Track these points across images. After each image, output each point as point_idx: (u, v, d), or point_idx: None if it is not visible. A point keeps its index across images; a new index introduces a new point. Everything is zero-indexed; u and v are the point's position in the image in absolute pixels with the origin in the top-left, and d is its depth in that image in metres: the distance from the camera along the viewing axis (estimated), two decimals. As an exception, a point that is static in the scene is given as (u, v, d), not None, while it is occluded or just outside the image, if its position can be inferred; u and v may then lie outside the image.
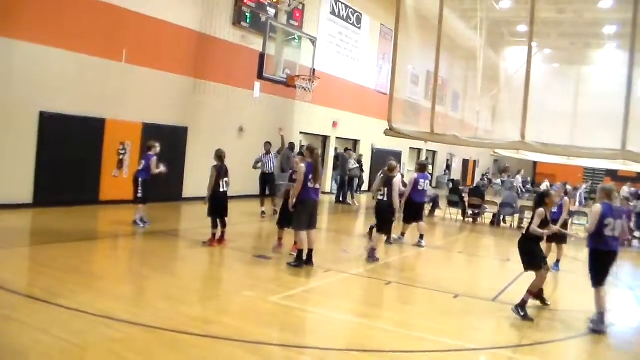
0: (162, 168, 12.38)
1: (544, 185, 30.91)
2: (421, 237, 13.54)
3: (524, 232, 8.85)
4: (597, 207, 8.15)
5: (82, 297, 7.13)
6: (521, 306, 8.27)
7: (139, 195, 12.24)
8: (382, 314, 8.04)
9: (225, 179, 11.20)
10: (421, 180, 13.72)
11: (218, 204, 11.15)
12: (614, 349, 7.89)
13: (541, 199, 8.77)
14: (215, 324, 6.74)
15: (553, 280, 11.02)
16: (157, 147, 12.53)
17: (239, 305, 7.85)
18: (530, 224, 8.62)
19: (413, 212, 13.65)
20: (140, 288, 8.29)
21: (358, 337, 6.98)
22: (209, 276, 9.69)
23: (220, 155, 11.28)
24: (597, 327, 7.94)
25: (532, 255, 8.61)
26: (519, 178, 33.50)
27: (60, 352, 5.45)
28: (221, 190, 11.12)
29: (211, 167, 11.18)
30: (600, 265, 8.15)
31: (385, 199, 11.25)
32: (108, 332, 6.03)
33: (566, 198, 12.61)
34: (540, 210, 8.54)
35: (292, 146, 20.20)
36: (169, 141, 15.55)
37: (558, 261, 12.09)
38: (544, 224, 8.54)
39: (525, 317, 8.18)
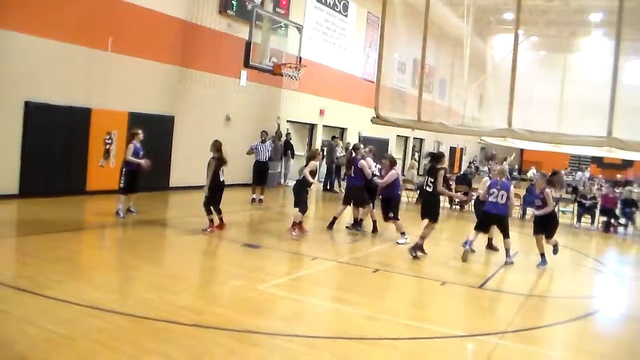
0: (142, 161, 12.17)
1: (531, 173, 31.10)
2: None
3: (429, 190, 10.98)
4: (486, 180, 12.07)
5: (69, 287, 7.11)
6: (419, 248, 10.95)
7: (121, 185, 12.23)
8: (369, 301, 8.06)
9: (223, 168, 11.46)
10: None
11: (219, 193, 11.54)
12: (601, 335, 7.99)
13: (438, 160, 11.17)
14: (204, 313, 6.74)
15: (539, 268, 11.09)
16: (140, 134, 12.43)
17: (227, 294, 7.87)
18: (435, 183, 10.79)
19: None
20: (127, 278, 8.26)
21: (346, 324, 7.00)
22: (197, 265, 9.65)
23: (217, 147, 11.45)
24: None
25: (434, 208, 11.10)
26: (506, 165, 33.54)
27: (47, 342, 5.43)
28: (221, 179, 11.40)
29: (210, 159, 11.38)
30: (479, 218, 11.76)
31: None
32: (95, 322, 6.02)
33: (548, 190, 11.42)
34: (442, 171, 10.84)
35: (279, 135, 20.25)
36: (156, 130, 15.46)
37: (543, 255, 11.24)
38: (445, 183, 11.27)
39: (416, 257, 10.82)
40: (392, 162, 13.14)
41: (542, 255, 11.24)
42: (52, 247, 9.17)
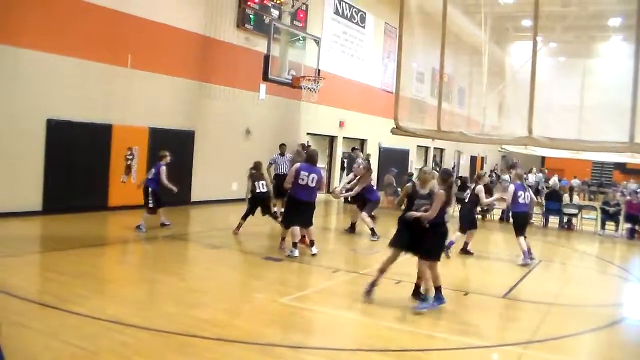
0: (172, 186, 12.51)
1: (553, 180, 30.80)
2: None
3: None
4: (512, 187, 12.40)
5: (93, 302, 7.16)
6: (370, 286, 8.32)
7: (150, 205, 12.40)
8: (392, 312, 8.01)
9: (262, 182, 12.74)
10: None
11: (256, 203, 12.71)
12: (627, 344, 7.86)
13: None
14: (226, 326, 6.75)
15: (562, 275, 10.99)
16: (168, 157, 12.67)
17: (250, 308, 7.86)
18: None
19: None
20: (150, 292, 8.31)
21: (368, 336, 6.97)
22: (219, 279, 9.65)
23: (258, 166, 12.89)
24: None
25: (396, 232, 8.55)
26: (540, 175, 32.64)
27: (70, 357, 5.47)
28: (257, 191, 12.60)
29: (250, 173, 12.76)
30: (518, 221, 12.32)
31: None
32: (118, 337, 6.05)
33: (442, 191, 8.01)
34: (408, 185, 8.52)
35: (303, 146, 20.27)
36: (176, 145, 15.56)
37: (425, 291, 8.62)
38: (410, 201, 8.32)
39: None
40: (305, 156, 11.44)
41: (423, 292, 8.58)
42: (75, 263, 9.26)
